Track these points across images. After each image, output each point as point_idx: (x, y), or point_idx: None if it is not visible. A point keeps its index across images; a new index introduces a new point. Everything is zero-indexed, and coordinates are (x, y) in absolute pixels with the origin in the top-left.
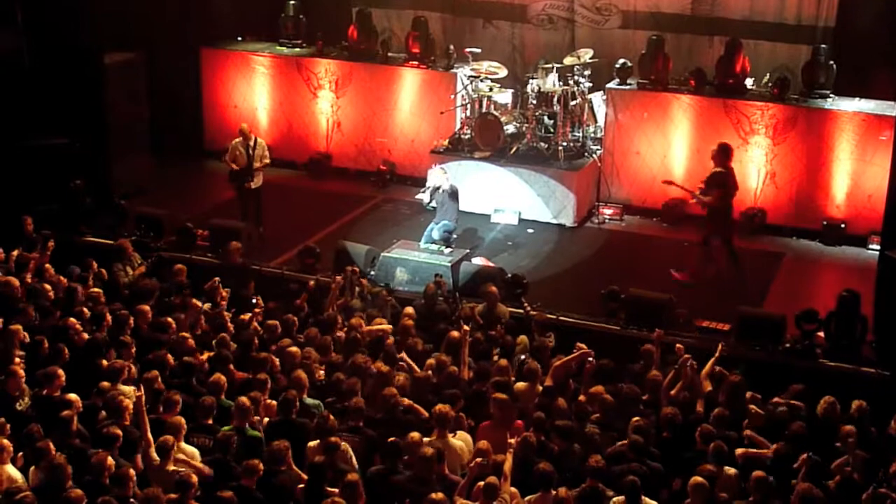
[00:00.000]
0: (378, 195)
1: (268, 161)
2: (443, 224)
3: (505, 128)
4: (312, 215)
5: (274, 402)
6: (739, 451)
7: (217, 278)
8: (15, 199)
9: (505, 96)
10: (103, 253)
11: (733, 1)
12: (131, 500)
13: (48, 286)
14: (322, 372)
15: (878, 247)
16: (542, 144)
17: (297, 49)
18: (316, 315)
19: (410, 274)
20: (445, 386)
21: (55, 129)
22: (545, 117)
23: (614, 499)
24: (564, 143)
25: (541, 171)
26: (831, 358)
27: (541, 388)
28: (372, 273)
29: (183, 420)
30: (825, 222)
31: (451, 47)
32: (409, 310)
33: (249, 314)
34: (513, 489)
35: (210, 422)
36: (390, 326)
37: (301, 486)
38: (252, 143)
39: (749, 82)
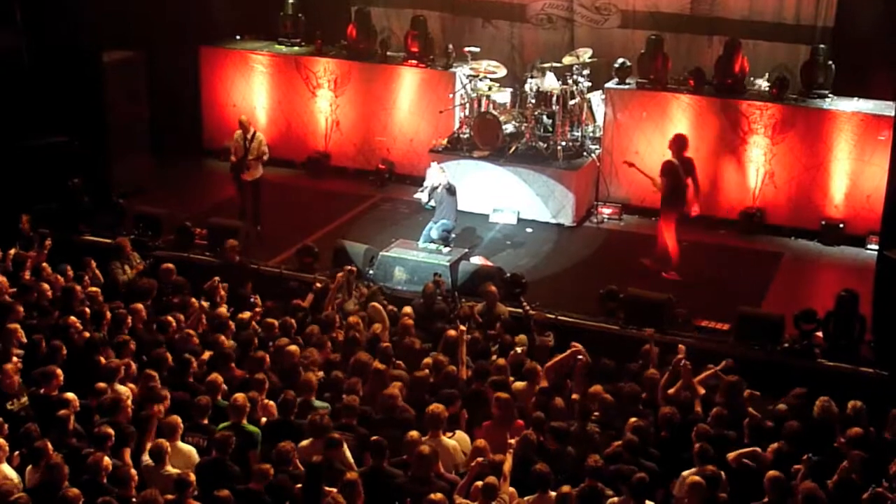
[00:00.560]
0: (377, 194)
1: (265, 155)
2: (441, 223)
3: (504, 127)
4: (311, 214)
5: (271, 403)
6: (731, 454)
7: (217, 278)
8: (14, 198)
9: (504, 95)
10: (102, 252)
11: (732, 1)
12: (133, 500)
13: (46, 285)
14: (321, 373)
15: (876, 247)
16: (541, 144)
17: (296, 48)
18: (314, 315)
19: (409, 273)
20: (443, 385)
21: (54, 128)
22: (544, 117)
23: (611, 499)
24: (563, 143)
25: (540, 171)
26: (830, 358)
27: (539, 388)
28: (371, 272)
29: (179, 419)
30: (824, 222)
31: (450, 46)
32: (408, 309)
33: (249, 313)
34: (511, 489)
35: (205, 421)
36: (378, 326)
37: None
38: (249, 136)
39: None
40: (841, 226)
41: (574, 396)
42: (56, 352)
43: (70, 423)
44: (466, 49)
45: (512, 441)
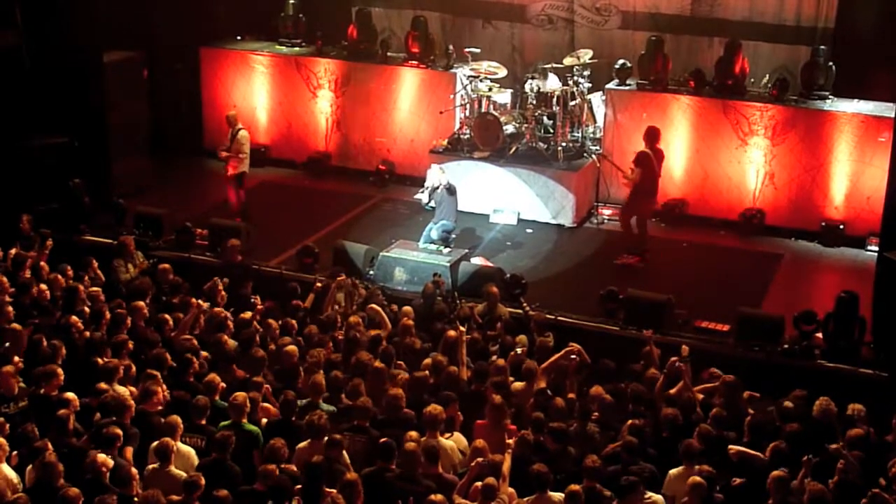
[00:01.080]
0: (377, 195)
1: (241, 154)
2: (441, 224)
3: (504, 128)
4: (311, 215)
5: (269, 405)
6: (733, 448)
7: (217, 278)
8: (14, 198)
9: (504, 96)
10: (102, 252)
11: (733, 2)
12: (135, 499)
13: (44, 286)
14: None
15: (876, 248)
16: (542, 145)
17: (297, 48)
18: (313, 315)
19: (409, 274)
20: (444, 386)
21: (54, 128)
22: (544, 117)
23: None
24: (564, 144)
25: (540, 172)
26: (829, 359)
27: (537, 388)
28: (371, 273)
29: (179, 420)
30: (824, 223)
31: (451, 47)
32: (408, 309)
33: (250, 313)
34: (511, 489)
35: (204, 422)
36: (382, 332)
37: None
38: (234, 131)
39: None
40: (841, 227)
41: (570, 395)
42: (56, 351)
43: (70, 422)
44: (467, 50)
45: (510, 441)
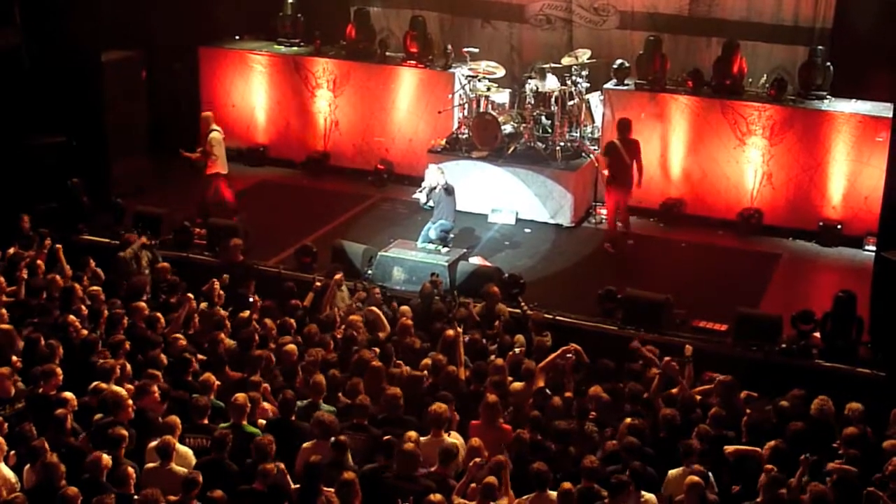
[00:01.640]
0: (375, 194)
1: (211, 156)
2: (440, 223)
3: (502, 127)
4: (310, 214)
5: (268, 405)
6: (729, 448)
7: (214, 279)
8: (14, 198)
9: (502, 96)
10: (101, 251)
11: (731, 2)
12: (134, 498)
13: (42, 285)
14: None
15: (873, 248)
16: (540, 144)
17: (295, 48)
18: (312, 314)
19: (407, 273)
20: (443, 385)
21: (54, 128)
22: (543, 117)
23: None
24: (562, 143)
25: (538, 171)
26: (827, 358)
27: (535, 388)
28: (369, 272)
29: (178, 420)
30: (821, 223)
31: (449, 47)
32: (406, 309)
33: (249, 312)
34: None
35: (205, 422)
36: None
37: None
38: (207, 132)
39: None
40: (839, 227)
41: (567, 394)
42: (54, 351)
43: (68, 422)
44: (465, 49)
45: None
